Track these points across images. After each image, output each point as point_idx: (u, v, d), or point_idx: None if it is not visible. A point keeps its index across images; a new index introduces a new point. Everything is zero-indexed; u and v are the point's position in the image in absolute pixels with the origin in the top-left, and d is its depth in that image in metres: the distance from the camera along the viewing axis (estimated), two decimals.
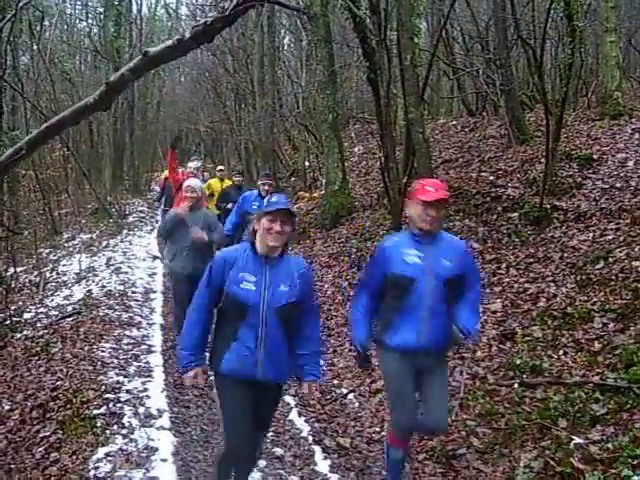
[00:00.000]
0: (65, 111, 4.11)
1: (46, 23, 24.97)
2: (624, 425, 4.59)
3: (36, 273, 13.26)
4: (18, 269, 13.72)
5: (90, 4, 32.35)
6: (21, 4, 9.54)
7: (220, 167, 15.66)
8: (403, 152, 12.32)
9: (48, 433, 5.56)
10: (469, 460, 4.94)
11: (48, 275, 13.18)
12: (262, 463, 5.13)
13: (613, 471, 4.17)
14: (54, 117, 4.20)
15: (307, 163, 21.82)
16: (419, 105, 9.35)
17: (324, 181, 15.68)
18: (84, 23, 34.24)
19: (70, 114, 4.05)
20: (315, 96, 19.69)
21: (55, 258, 15.61)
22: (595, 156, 10.71)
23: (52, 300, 10.90)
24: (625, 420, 4.64)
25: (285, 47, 34.04)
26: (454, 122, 19.86)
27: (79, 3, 33.50)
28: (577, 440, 4.60)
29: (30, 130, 19.01)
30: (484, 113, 19.06)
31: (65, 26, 31.72)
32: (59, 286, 12.10)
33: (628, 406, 4.75)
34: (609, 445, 4.40)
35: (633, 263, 6.81)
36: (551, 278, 7.54)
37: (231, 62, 27.59)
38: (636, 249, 7.12)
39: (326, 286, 10.67)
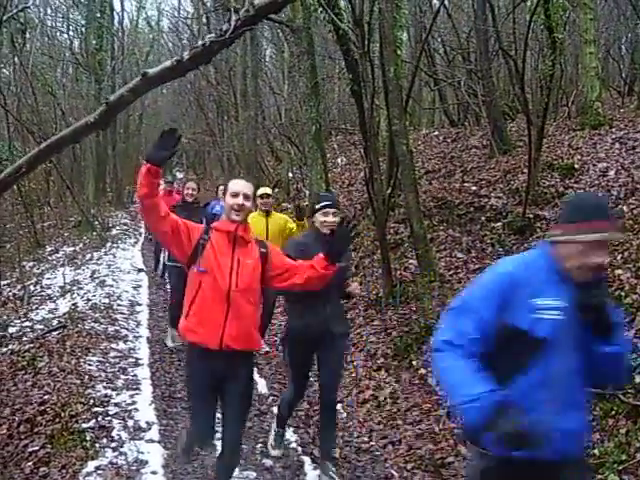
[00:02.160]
0: (65, 130, 4.16)
1: (27, 35, 24.92)
2: (609, 431, 4.65)
3: (20, 286, 13.17)
4: (1, 282, 13.65)
5: (71, 16, 32.30)
6: (5, 17, 9.55)
7: (264, 190, 8.51)
8: (387, 163, 12.40)
9: (37, 447, 5.54)
10: (457, 468, 4.98)
11: (32, 288, 13.10)
12: (252, 475, 5.15)
13: (600, 476, 4.24)
14: (54, 136, 4.25)
15: (290, 174, 21.87)
16: (403, 116, 9.42)
17: (307, 192, 15.72)
18: (65, 35, 34.18)
19: (70, 133, 4.09)
20: (298, 108, 19.76)
21: (39, 271, 15.52)
22: (576, 166, 10.84)
23: (37, 314, 10.84)
24: (611, 426, 4.70)
25: (267, 59, 34.15)
26: (436, 133, 19.99)
27: (60, 15, 33.46)
28: None
29: (12, 143, 18.96)
30: (466, 123, 19.21)
31: (46, 38, 31.62)
32: (44, 299, 12.03)
33: (613, 412, 4.82)
34: (595, 451, 4.46)
35: (616, 271, 6.89)
36: None
37: (213, 74, 27.62)
38: (618, 257, 7.21)
39: None
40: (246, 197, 4.22)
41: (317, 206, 5.03)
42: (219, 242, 4.19)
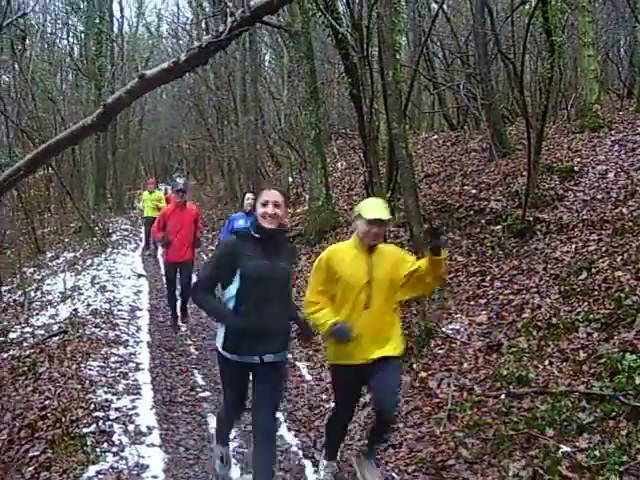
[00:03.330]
0: (63, 132, 4.17)
1: (27, 42, 24.96)
2: (610, 433, 4.65)
3: (20, 292, 13.17)
4: (2, 288, 13.66)
5: (71, 22, 32.35)
6: (5, 23, 9.57)
7: (378, 209, 4.60)
8: (386, 167, 12.42)
9: (37, 452, 5.54)
10: (458, 471, 4.97)
11: (33, 294, 13.11)
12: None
13: (601, 478, 4.23)
14: (52, 138, 4.26)
15: (290, 179, 21.90)
16: (402, 120, 9.43)
17: (308, 197, 15.75)
18: (65, 42, 34.24)
19: (68, 135, 4.11)
20: (297, 112, 19.81)
21: (39, 277, 15.54)
22: (576, 168, 10.84)
23: (37, 319, 10.85)
24: (611, 428, 4.69)
25: (267, 64, 34.20)
26: (436, 136, 20.01)
27: (60, 21, 33.50)
28: (565, 448, 4.65)
29: (12, 149, 19.00)
30: (465, 127, 19.24)
31: (46, 45, 31.68)
32: (44, 305, 12.04)
33: (614, 414, 4.81)
34: (596, 453, 4.46)
35: (616, 273, 6.89)
36: (535, 289, 7.62)
37: (213, 79, 27.68)
38: (618, 259, 7.21)
39: None
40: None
41: None
42: None
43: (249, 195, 8.98)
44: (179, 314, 10.29)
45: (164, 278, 11.25)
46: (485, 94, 14.02)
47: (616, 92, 20.45)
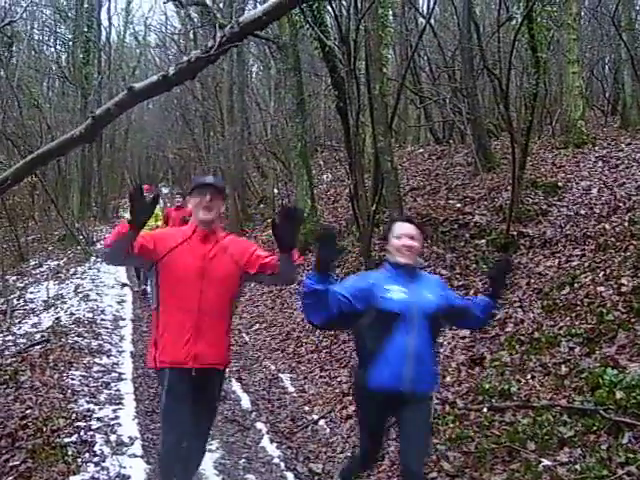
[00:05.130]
0: (51, 143, 4.18)
1: (13, 49, 24.91)
2: (591, 447, 4.67)
3: (2, 300, 13.08)
4: None
5: (59, 30, 32.26)
6: None
7: None
8: (371, 180, 12.46)
9: (17, 462, 5.48)
10: None
11: (15, 302, 13.03)
12: None
13: None
14: (40, 149, 4.26)
15: (276, 190, 21.90)
16: (387, 134, 9.49)
17: None
18: (52, 49, 34.16)
19: (56, 146, 4.12)
20: (284, 124, 19.84)
21: (22, 285, 15.44)
22: (560, 184, 10.93)
23: (20, 328, 10.77)
24: (592, 442, 4.72)
25: (254, 75, 34.26)
26: (421, 150, 20.10)
27: (47, 29, 33.41)
28: (545, 462, 4.67)
29: None
30: (451, 141, 19.31)
31: (33, 52, 31.60)
32: (27, 314, 11.97)
33: (595, 428, 4.84)
34: (577, 466, 4.48)
35: (598, 288, 6.94)
36: (518, 304, 7.66)
37: (200, 89, 27.67)
38: (600, 275, 7.26)
39: (295, 313, 10.70)
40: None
41: None
42: None
43: (407, 229, 4.09)
44: None
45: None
46: (471, 109, 14.11)
47: (600, 108, 20.66)
